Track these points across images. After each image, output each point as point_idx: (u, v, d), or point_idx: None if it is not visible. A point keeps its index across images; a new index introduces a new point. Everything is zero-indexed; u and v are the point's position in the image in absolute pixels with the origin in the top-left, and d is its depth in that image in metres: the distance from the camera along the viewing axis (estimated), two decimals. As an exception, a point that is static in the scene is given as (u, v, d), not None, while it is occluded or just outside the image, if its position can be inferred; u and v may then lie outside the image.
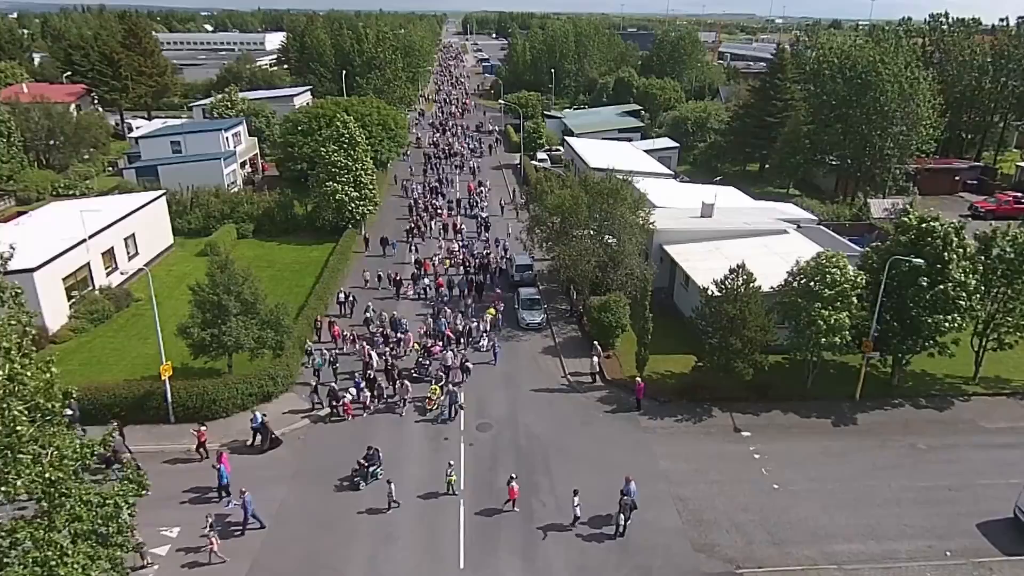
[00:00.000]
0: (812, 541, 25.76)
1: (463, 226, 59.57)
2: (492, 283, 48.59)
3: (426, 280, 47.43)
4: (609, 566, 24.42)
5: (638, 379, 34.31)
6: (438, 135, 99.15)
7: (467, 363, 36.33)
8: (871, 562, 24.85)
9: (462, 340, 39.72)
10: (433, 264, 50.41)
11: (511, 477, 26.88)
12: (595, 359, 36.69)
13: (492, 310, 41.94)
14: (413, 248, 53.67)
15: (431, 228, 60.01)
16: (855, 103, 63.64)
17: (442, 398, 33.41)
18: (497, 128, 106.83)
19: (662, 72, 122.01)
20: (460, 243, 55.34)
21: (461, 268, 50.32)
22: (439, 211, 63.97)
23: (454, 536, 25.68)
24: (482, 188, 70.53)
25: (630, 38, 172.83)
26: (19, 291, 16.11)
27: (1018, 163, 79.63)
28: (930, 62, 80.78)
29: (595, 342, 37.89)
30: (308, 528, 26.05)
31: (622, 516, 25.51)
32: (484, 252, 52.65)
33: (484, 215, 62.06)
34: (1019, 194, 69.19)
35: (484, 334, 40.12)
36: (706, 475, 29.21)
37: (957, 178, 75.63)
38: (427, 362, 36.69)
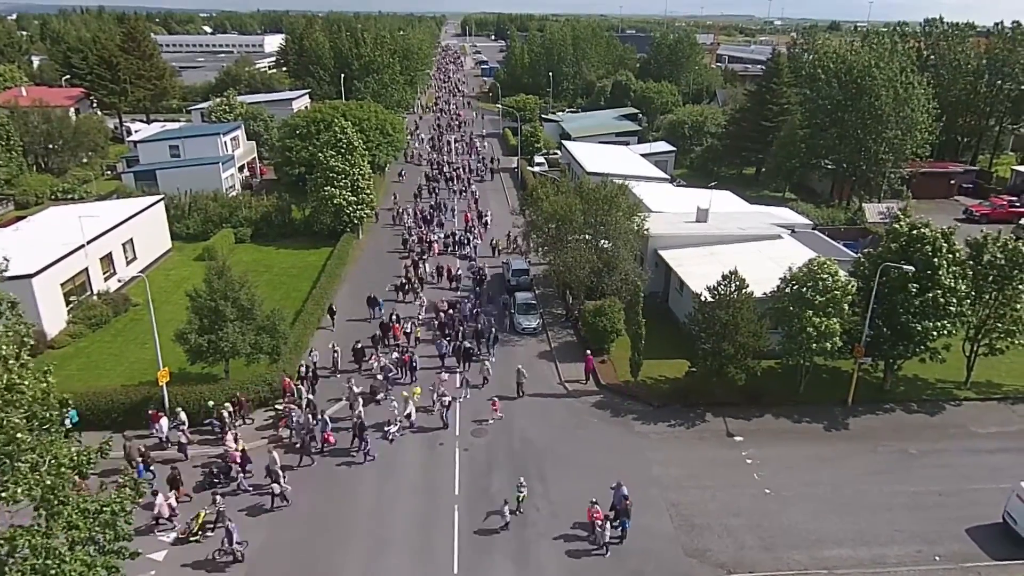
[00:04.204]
0: (803, 546, 26.04)
1: (459, 272, 50.53)
2: (487, 349, 39.82)
3: (394, 355, 38.03)
4: (601, 571, 24.68)
5: (588, 352, 37.14)
6: (434, 153, 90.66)
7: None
8: (860, 567, 25.13)
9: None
10: (404, 330, 40.86)
11: (592, 502, 26.00)
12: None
13: (417, 390, 34.00)
14: (390, 314, 42.40)
15: (424, 273, 50.02)
16: (850, 107, 64.02)
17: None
18: (495, 152, 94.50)
19: (660, 75, 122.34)
20: (453, 296, 45.66)
21: (442, 331, 40.88)
22: (433, 243, 56.36)
23: (448, 541, 25.94)
24: (484, 217, 62.49)
25: (628, 40, 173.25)
26: (16, 302, 16.37)
27: (1013, 167, 79.97)
28: (925, 66, 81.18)
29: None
30: (304, 532, 26.29)
31: (626, 520, 25.76)
32: (473, 310, 43.54)
33: (478, 265, 51.45)
34: (1014, 198, 69.66)
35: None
36: (699, 480, 29.48)
37: (952, 182, 76.03)
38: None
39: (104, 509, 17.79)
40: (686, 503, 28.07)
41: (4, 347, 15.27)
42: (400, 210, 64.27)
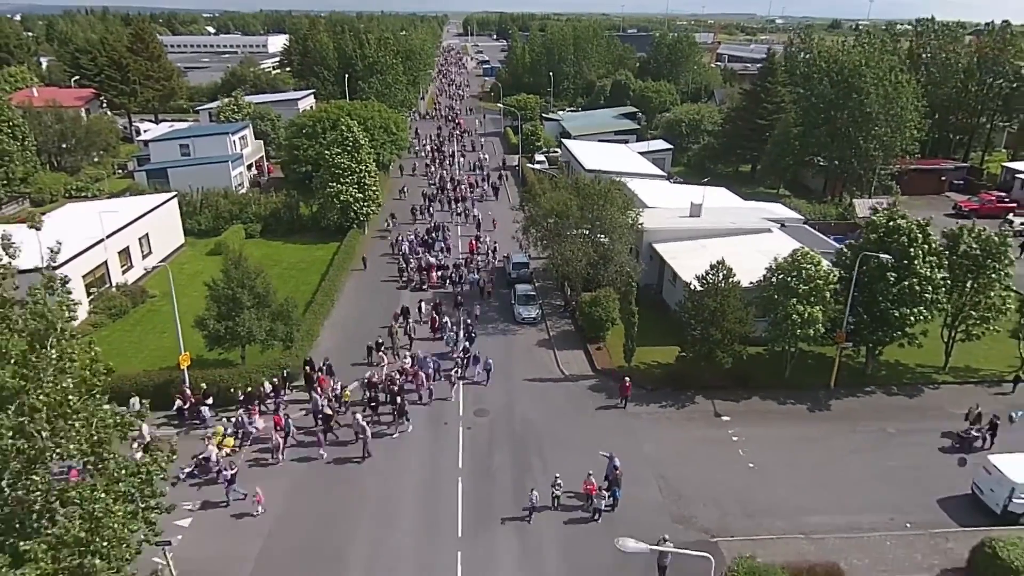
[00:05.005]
0: (782, 514, 27.95)
1: (446, 320, 42.73)
2: (397, 419, 33.26)
3: (255, 419, 32.29)
4: (595, 537, 26.54)
5: (626, 379, 35.18)
6: (434, 166, 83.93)
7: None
8: (836, 532, 27.01)
9: None
10: (332, 391, 34.44)
11: (588, 474, 27.76)
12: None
13: (217, 433, 30.82)
14: (323, 362, 36.89)
15: (414, 323, 42.75)
16: (841, 105, 65.84)
17: None
18: (498, 154, 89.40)
19: (659, 74, 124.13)
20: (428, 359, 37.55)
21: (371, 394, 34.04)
22: (431, 272, 50.84)
23: (453, 511, 27.88)
24: (483, 244, 56.69)
25: (628, 40, 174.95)
26: (67, 279, 18.31)
27: (1004, 163, 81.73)
28: (917, 65, 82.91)
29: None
30: (317, 504, 28.29)
31: (617, 489, 27.79)
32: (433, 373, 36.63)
33: (475, 313, 44.42)
34: (1002, 194, 71.50)
35: None
36: (687, 457, 31.38)
37: (943, 178, 77.78)
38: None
39: (141, 469, 19.78)
40: (674, 477, 29.97)
41: (60, 322, 17.20)
42: (399, 237, 57.43)
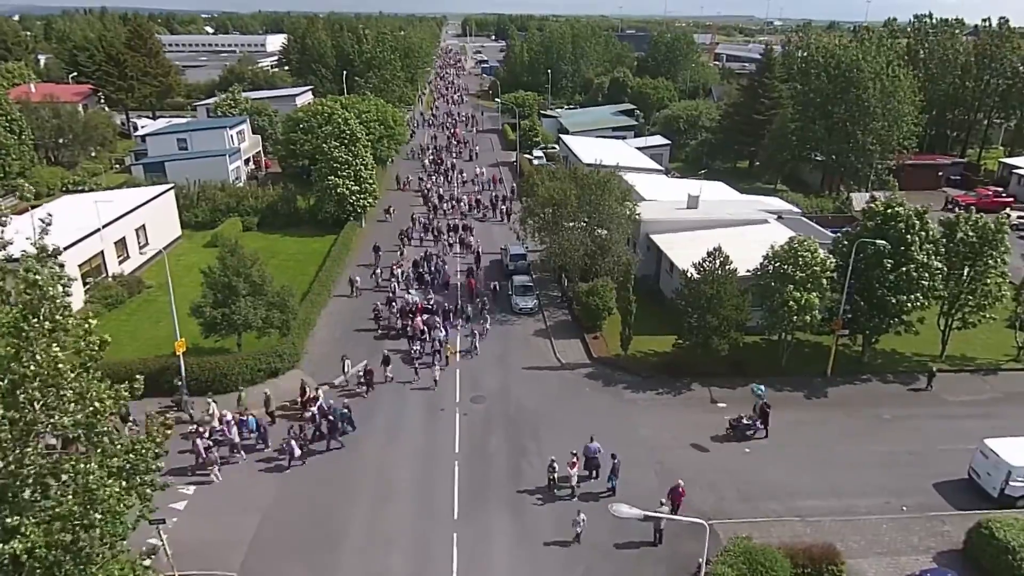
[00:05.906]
0: (778, 498, 27.94)
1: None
2: None
3: None
4: (589, 519, 26.42)
5: (680, 483, 26.67)
6: (431, 179, 75.50)
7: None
8: (832, 515, 26.98)
9: None
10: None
11: (573, 453, 27.85)
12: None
13: None
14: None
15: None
16: (839, 100, 65.95)
17: None
18: (510, 190, 72.74)
19: (657, 72, 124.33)
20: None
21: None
22: (412, 317, 40.59)
23: (449, 494, 27.84)
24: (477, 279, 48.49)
25: (627, 39, 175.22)
26: (60, 250, 18.20)
27: (1001, 159, 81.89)
28: (915, 61, 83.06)
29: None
30: (312, 488, 28.19)
31: (615, 478, 27.77)
32: None
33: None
34: (999, 188, 71.71)
35: None
36: (683, 441, 31.37)
37: (940, 174, 77.91)
38: None
39: (135, 446, 19.69)
40: (670, 461, 29.90)
41: (51, 288, 17.09)
42: (379, 270, 49.66)
